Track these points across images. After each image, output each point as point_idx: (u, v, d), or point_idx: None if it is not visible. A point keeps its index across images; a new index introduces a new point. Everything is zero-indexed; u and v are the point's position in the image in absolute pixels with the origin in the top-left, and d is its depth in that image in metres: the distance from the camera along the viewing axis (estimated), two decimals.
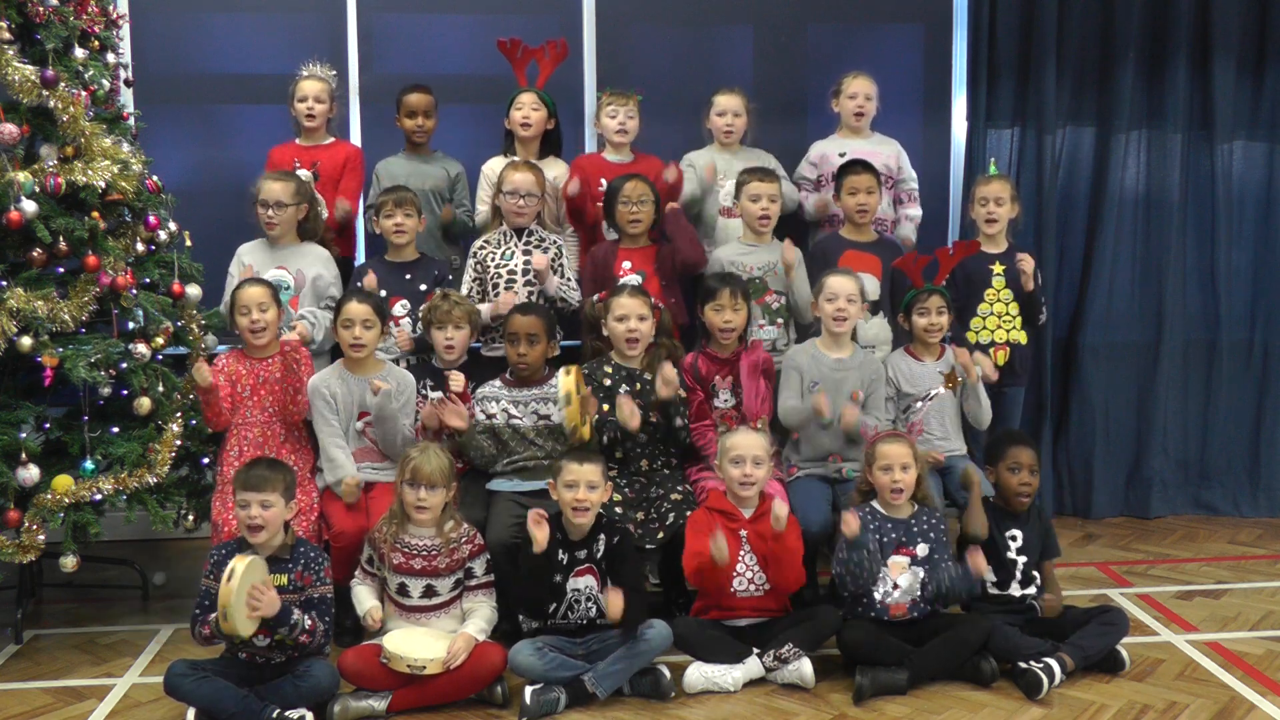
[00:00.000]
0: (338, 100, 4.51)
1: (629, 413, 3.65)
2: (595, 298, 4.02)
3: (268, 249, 4.09)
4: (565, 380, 3.56)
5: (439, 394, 3.82)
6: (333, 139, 4.49)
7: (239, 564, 2.91)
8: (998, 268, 4.30)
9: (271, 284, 3.81)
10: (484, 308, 4.08)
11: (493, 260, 4.18)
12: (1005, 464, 3.58)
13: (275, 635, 3.03)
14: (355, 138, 4.79)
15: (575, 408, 3.52)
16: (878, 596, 3.37)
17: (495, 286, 4.15)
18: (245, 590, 2.90)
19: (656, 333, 3.91)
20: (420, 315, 3.95)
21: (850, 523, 3.30)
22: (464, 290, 4.13)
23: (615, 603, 3.19)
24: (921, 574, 3.39)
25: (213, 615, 2.97)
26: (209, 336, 3.97)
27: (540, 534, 3.22)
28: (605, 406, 3.78)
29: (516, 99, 4.39)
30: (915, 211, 4.61)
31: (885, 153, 4.54)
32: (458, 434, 3.71)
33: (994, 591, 3.54)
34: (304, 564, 3.13)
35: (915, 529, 3.44)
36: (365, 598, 3.36)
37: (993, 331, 4.29)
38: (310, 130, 4.42)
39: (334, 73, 4.49)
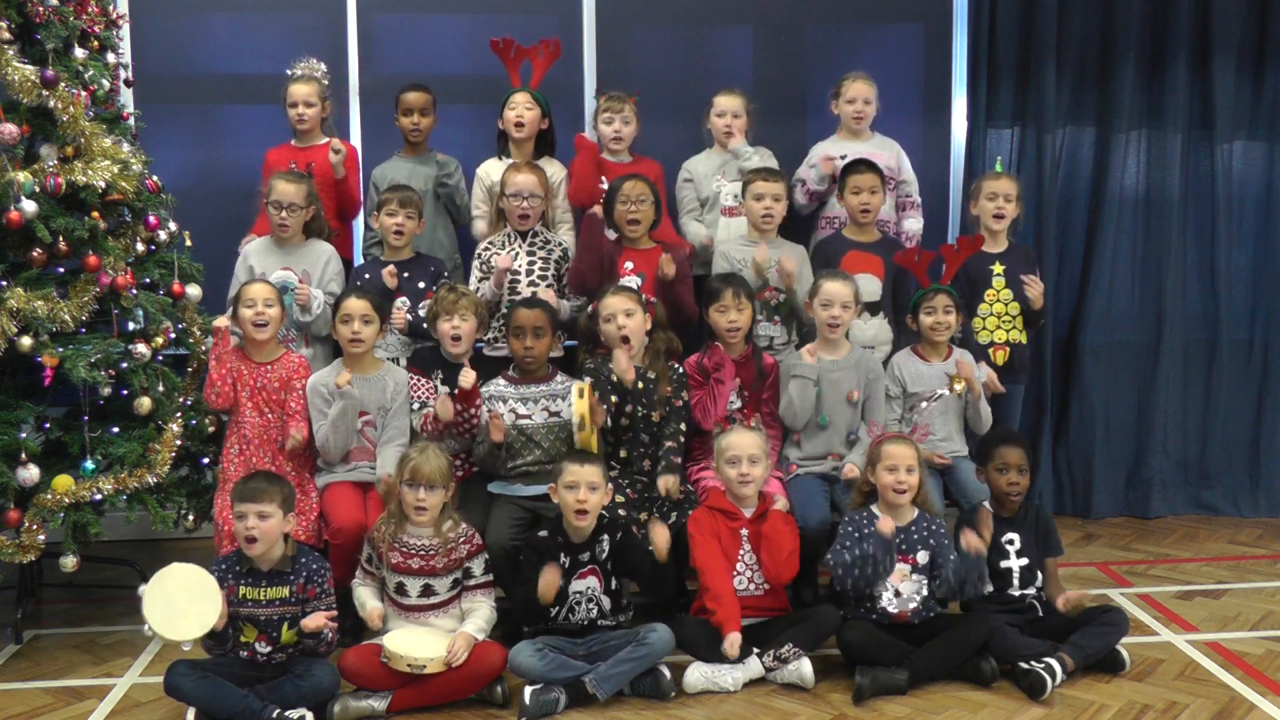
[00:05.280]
0: (332, 99, 4.49)
1: (625, 366, 3.69)
2: (588, 308, 4.01)
3: (274, 249, 4.10)
4: (579, 404, 3.49)
5: (446, 389, 3.82)
6: (326, 139, 4.48)
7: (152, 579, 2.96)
8: (998, 267, 4.30)
9: (275, 286, 3.81)
10: (485, 286, 4.08)
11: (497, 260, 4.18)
12: (993, 464, 3.57)
13: (305, 644, 3.08)
14: (355, 138, 4.79)
15: (589, 433, 3.47)
16: (880, 604, 3.36)
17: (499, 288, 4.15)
18: (160, 603, 2.93)
19: (653, 327, 3.89)
20: (426, 311, 3.94)
21: (887, 524, 3.32)
22: None
23: (661, 536, 3.32)
24: (923, 582, 3.39)
25: (197, 636, 2.99)
26: (209, 339, 3.96)
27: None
28: (614, 399, 3.76)
29: (510, 99, 4.38)
30: (916, 226, 4.57)
31: (886, 154, 4.53)
32: (495, 445, 3.68)
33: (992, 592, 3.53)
34: (306, 576, 3.13)
35: (915, 536, 3.43)
36: (367, 599, 3.36)
37: (992, 332, 4.29)
38: (304, 132, 4.42)
39: (324, 69, 4.46)
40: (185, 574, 2.99)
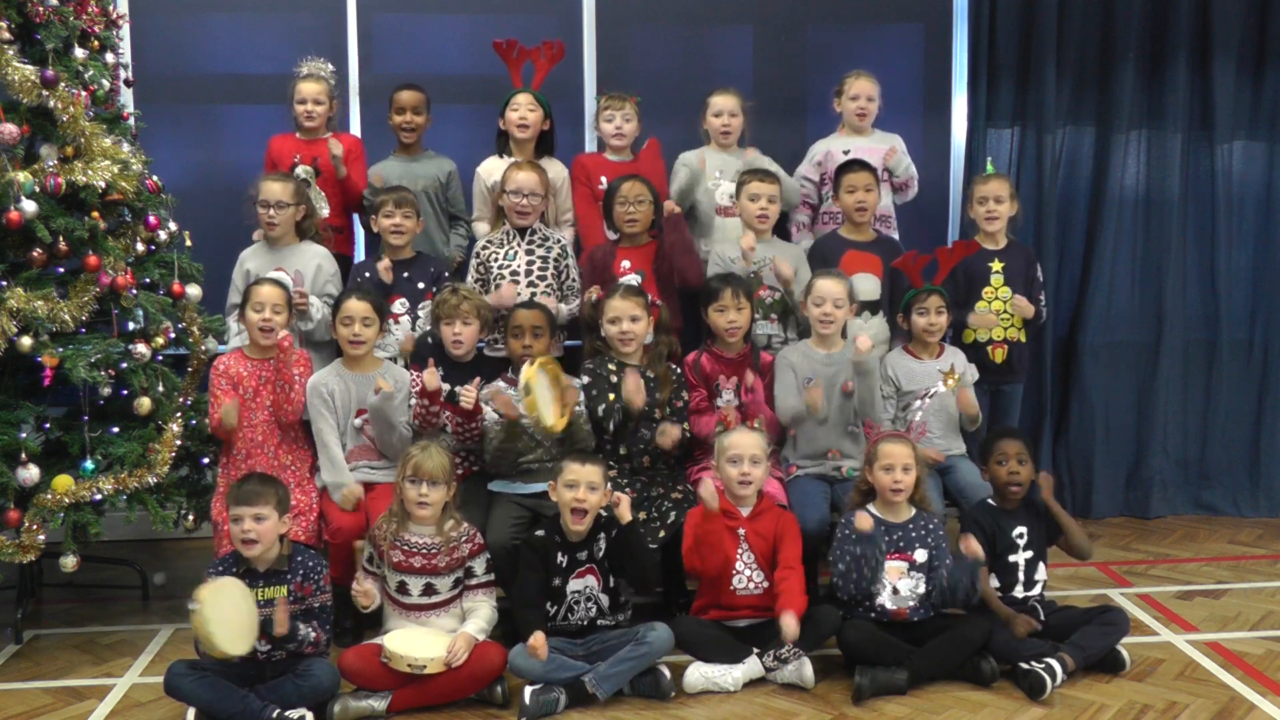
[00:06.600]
0: (337, 99, 4.51)
1: (635, 388, 3.67)
2: (593, 298, 4.02)
3: (268, 251, 4.10)
4: (526, 370, 3.53)
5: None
6: (331, 133, 4.48)
7: (204, 593, 2.88)
8: (996, 265, 4.30)
9: (287, 289, 3.81)
10: (487, 299, 4.09)
11: (496, 260, 4.19)
12: (993, 458, 3.59)
13: (286, 648, 3.05)
14: None
15: (533, 398, 3.48)
16: (879, 600, 3.36)
17: (498, 286, 4.15)
18: (221, 617, 2.89)
19: (656, 330, 3.90)
20: (431, 310, 3.94)
21: (864, 520, 3.30)
22: None
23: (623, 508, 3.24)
24: (921, 579, 3.39)
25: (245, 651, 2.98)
26: (209, 339, 3.97)
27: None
28: (611, 396, 3.77)
29: (512, 100, 4.39)
30: (912, 187, 4.60)
31: (886, 149, 4.54)
32: (507, 435, 3.70)
33: (998, 595, 3.53)
34: (303, 574, 3.13)
35: (914, 534, 3.43)
36: (361, 576, 3.34)
37: (990, 329, 4.29)
38: (310, 130, 4.42)
39: (331, 69, 4.48)
40: (234, 588, 2.98)
